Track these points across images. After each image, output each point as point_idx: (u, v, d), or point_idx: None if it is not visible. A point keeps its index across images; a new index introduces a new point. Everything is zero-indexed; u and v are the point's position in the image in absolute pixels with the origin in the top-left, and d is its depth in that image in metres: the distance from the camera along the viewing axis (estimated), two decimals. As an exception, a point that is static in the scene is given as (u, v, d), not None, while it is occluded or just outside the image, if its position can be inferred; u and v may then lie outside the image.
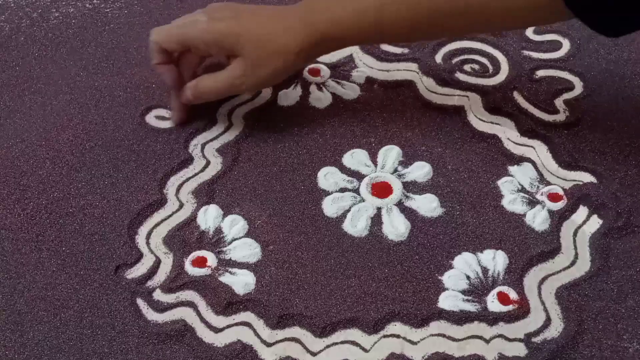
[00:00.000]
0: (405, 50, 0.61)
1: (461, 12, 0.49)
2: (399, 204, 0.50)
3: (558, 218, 0.49)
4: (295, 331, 0.44)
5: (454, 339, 0.43)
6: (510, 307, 0.44)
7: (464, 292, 0.45)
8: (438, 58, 0.60)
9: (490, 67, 0.60)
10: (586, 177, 0.52)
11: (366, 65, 0.60)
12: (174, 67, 0.54)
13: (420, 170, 0.52)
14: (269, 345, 0.43)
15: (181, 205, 0.50)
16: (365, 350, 0.43)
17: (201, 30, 0.52)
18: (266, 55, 0.51)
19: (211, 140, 0.54)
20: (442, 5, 0.49)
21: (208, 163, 0.53)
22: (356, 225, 0.49)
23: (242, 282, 0.46)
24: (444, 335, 0.43)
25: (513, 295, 0.45)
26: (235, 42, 0.51)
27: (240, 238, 0.48)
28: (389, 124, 0.56)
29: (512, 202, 0.50)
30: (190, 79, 0.54)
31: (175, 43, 0.53)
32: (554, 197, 0.50)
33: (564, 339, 0.43)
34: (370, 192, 0.51)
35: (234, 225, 0.49)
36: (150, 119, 0.56)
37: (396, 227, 0.49)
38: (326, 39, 0.51)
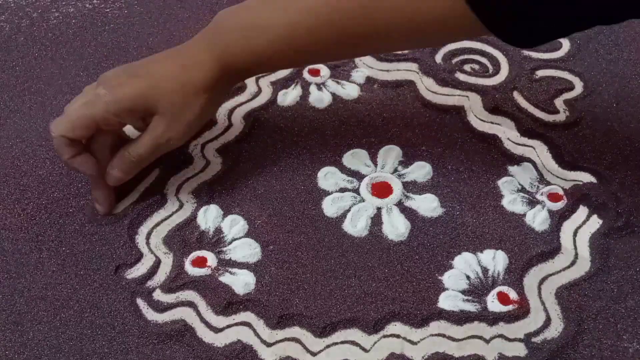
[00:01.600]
0: (405, 50, 0.61)
1: (371, 34, 0.46)
2: (399, 204, 0.50)
3: (558, 218, 0.49)
4: (295, 331, 0.44)
5: (454, 339, 0.43)
6: (510, 307, 0.45)
7: (464, 292, 0.45)
8: (438, 58, 0.60)
9: (490, 67, 0.60)
10: (586, 177, 0.52)
11: (366, 65, 0.60)
12: (89, 154, 0.48)
13: (420, 170, 0.52)
14: (269, 345, 0.43)
15: (181, 205, 0.50)
16: (365, 350, 0.43)
17: (106, 104, 0.46)
18: (182, 102, 0.47)
19: (211, 140, 0.54)
20: (350, 29, 0.46)
21: (208, 163, 0.53)
22: (356, 225, 0.49)
23: (242, 282, 0.46)
24: (444, 335, 0.43)
25: (513, 295, 0.45)
26: (146, 102, 0.47)
27: (240, 238, 0.48)
28: (389, 124, 0.56)
29: (512, 202, 0.50)
30: (108, 160, 0.49)
31: (84, 129, 0.47)
32: (554, 197, 0.50)
33: (564, 339, 0.43)
34: (370, 192, 0.51)
35: (234, 225, 0.49)
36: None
37: (396, 227, 0.49)
38: (240, 69, 0.48)
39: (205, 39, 0.48)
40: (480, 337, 0.43)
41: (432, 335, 0.44)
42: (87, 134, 0.47)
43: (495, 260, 0.47)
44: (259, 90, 0.58)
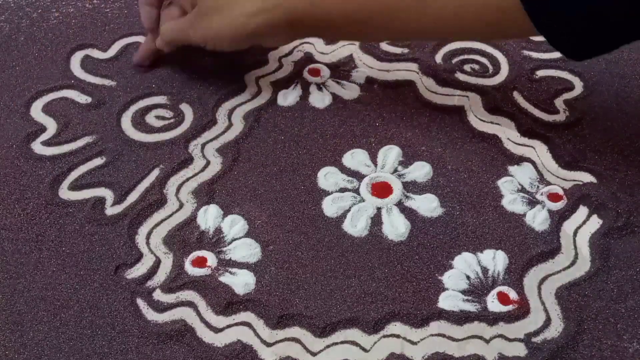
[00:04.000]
0: (405, 50, 0.61)
1: (423, 21, 0.48)
2: (399, 204, 0.50)
3: (558, 218, 0.49)
4: (295, 331, 0.44)
5: (454, 339, 0.43)
6: (510, 307, 0.45)
7: (464, 292, 0.45)
8: (438, 58, 0.60)
9: (490, 67, 0.60)
10: (586, 177, 0.52)
11: (366, 65, 0.60)
12: (156, 11, 0.56)
13: (420, 170, 0.52)
14: (269, 345, 0.43)
15: (181, 205, 0.50)
16: (365, 350, 0.43)
17: None
18: (217, 7, 0.51)
19: (211, 140, 0.54)
20: (400, 12, 0.48)
21: (208, 163, 0.53)
22: (356, 225, 0.49)
23: (242, 282, 0.46)
24: (444, 335, 0.44)
25: (513, 295, 0.45)
26: None
27: (240, 238, 0.48)
28: (389, 124, 0.56)
29: (512, 202, 0.50)
30: None
31: None
32: (554, 197, 0.50)
33: (564, 339, 0.43)
34: (370, 192, 0.51)
35: (234, 225, 0.49)
36: (150, 118, 0.56)
37: (396, 227, 0.49)
38: (295, 19, 0.50)
39: None
40: (480, 337, 0.43)
41: (432, 335, 0.44)
42: None
43: (495, 260, 0.47)
44: (259, 90, 0.58)
